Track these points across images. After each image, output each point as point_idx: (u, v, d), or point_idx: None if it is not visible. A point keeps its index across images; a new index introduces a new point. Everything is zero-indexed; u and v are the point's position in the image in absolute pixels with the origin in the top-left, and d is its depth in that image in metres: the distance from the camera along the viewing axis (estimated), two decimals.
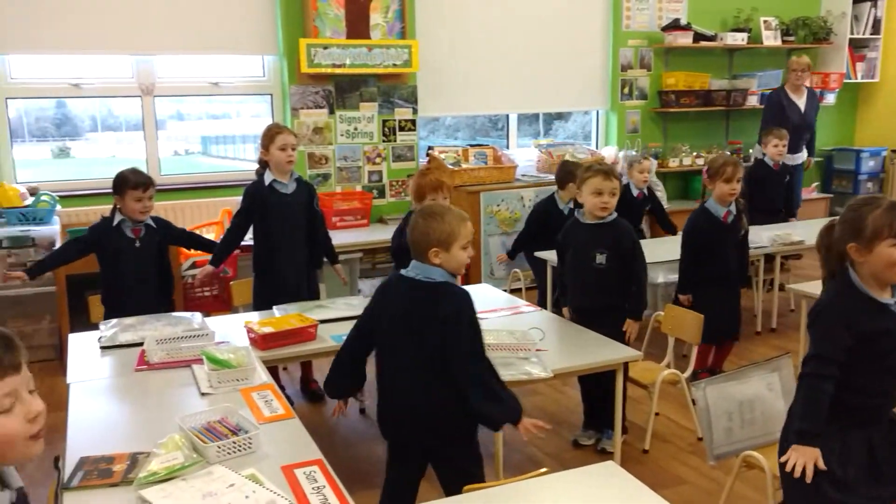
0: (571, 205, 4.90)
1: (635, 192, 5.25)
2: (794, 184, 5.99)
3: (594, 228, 3.38)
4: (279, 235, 3.85)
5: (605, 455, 3.40)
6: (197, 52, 5.51)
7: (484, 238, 5.90)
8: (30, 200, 4.85)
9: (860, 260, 2.08)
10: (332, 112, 5.82)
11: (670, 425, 3.76)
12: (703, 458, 3.19)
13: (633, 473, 1.99)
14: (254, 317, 3.40)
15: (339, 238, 5.25)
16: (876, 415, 2.17)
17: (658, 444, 3.56)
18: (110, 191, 5.22)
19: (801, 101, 6.23)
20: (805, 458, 2.07)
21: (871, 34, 7.57)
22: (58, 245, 4.52)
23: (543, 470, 2.05)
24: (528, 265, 5.01)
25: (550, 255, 4.52)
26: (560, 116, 7.45)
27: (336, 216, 5.64)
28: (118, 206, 3.55)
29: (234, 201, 5.53)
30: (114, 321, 3.17)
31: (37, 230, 4.63)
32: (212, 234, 5.34)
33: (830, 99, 7.58)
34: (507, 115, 6.89)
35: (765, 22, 7.14)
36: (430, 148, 6.18)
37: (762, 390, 2.64)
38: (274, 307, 3.46)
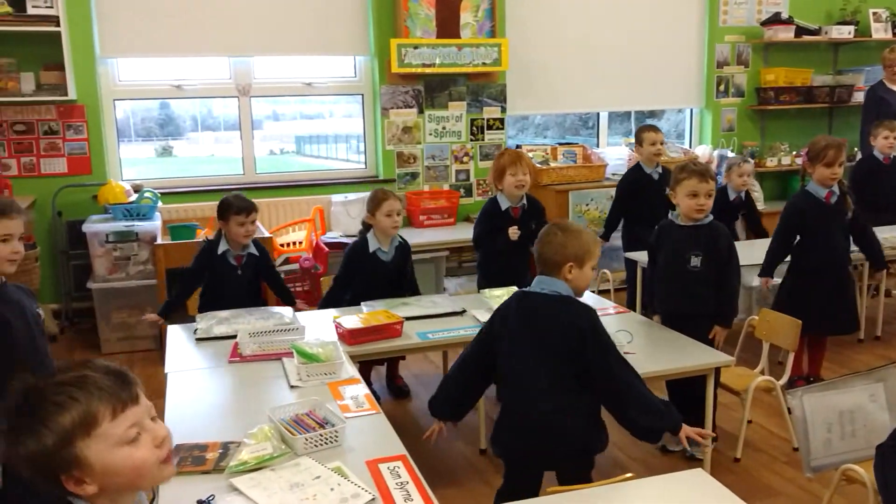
0: (660, 169, 4.81)
1: (731, 196, 5.06)
2: None
3: (689, 230, 3.29)
4: (367, 293, 3.76)
5: (693, 462, 3.30)
6: (292, 54, 5.65)
7: None
8: (134, 197, 5.08)
9: None
10: (421, 111, 5.87)
11: (763, 434, 3.62)
12: (798, 469, 3.05)
13: (724, 482, 1.92)
14: (342, 311, 3.46)
15: (425, 237, 5.32)
16: None
17: (750, 452, 3.43)
18: (208, 188, 5.51)
19: None
20: None
21: None
22: (159, 241, 4.72)
23: (629, 475, 2.01)
24: (623, 250, 4.88)
25: (641, 256, 4.43)
26: (652, 114, 7.28)
27: (423, 215, 5.69)
28: (223, 231, 3.65)
29: (326, 199, 5.67)
30: (209, 314, 3.28)
31: (140, 225, 4.85)
32: (303, 232, 5.47)
33: None
34: (598, 114, 6.78)
35: (874, 14, 6.79)
36: (517, 146, 6.15)
37: (864, 401, 2.50)
38: (362, 303, 3.51)
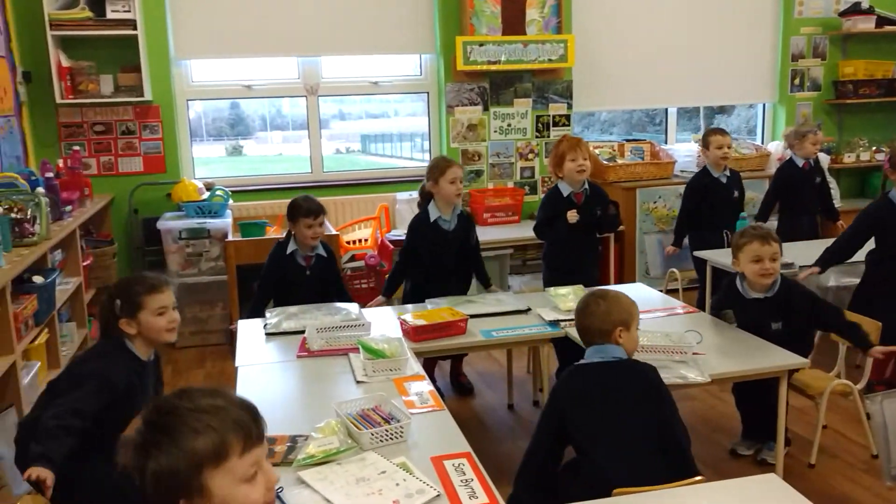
0: (728, 172, 4.70)
1: (800, 163, 4.91)
2: None
3: (761, 304, 3.13)
4: (435, 266, 3.84)
5: (765, 467, 3.21)
6: (359, 53, 5.71)
7: (639, 236, 5.74)
8: (206, 195, 5.21)
9: None
10: (486, 109, 5.86)
11: (840, 440, 3.50)
12: (877, 477, 2.95)
13: (797, 489, 1.86)
14: (407, 309, 3.48)
15: (489, 234, 5.30)
16: None
17: (825, 459, 3.32)
18: (277, 187, 5.62)
19: None
20: None
21: None
22: (230, 237, 4.84)
23: (699, 477, 1.97)
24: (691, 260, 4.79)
25: (711, 255, 4.33)
26: (722, 110, 7.12)
27: (487, 212, 5.68)
28: (292, 232, 3.71)
29: (391, 198, 5.72)
30: (278, 310, 3.34)
31: (211, 223, 4.98)
32: (369, 230, 5.53)
33: None
34: (666, 110, 6.65)
35: None
36: None
37: None
38: (426, 301, 3.52)
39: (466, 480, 1.89)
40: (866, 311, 3.45)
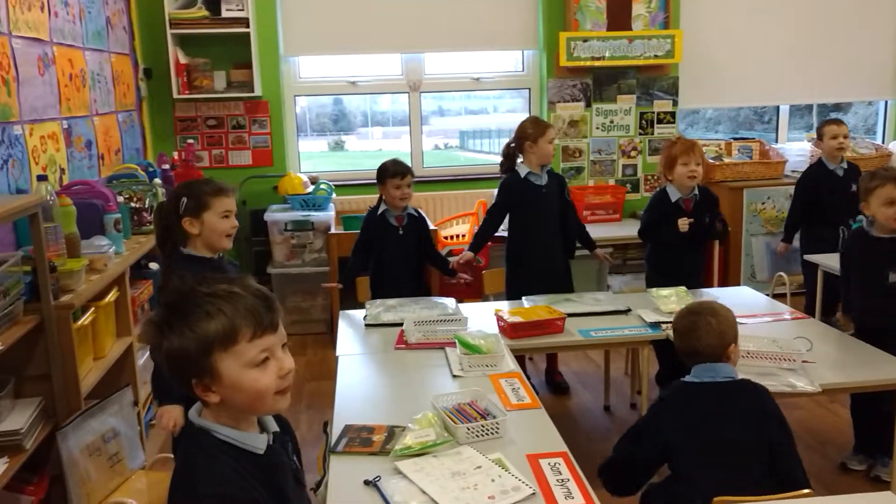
0: (845, 164, 4.49)
1: None
2: None
3: (887, 244, 3.00)
4: (534, 226, 3.91)
5: (879, 484, 3.04)
6: (462, 49, 5.74)
7: (746, 238, 5.54)
8: (310, 188, 5.36)
9: None
10: (588, 105, 5.78)
11: None
12: None
13: None
14: (504, 306, 3.48)
15: (589, 232, 5.22)
16: None
17: None
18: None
19: None
20: None
21: None
22: (332, 230, 4.96)
23: (807, 490, 1.88)
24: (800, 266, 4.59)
25: (822, 259, 4.13)
26: (838, 107, 6.77)
27: (587, 210, 5.60)
28: (382, 196, 3.79)
29: (489, 193, 5.71)
30: (378, 302, 3.40)
31: (315, 215, 5.11)
32: (466, 226, 5.55)
33: None
34: (777, 107, 6.38)
35: None
36: None
37: None
38: (523, 298, 3.51)
39: (562, 480, 1.87)
40: None
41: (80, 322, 2.66)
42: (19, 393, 2.46)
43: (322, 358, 4.69)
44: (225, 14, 5.10)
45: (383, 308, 3.31)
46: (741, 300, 3.47)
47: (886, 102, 6.35)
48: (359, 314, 3.36)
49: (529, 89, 5.90)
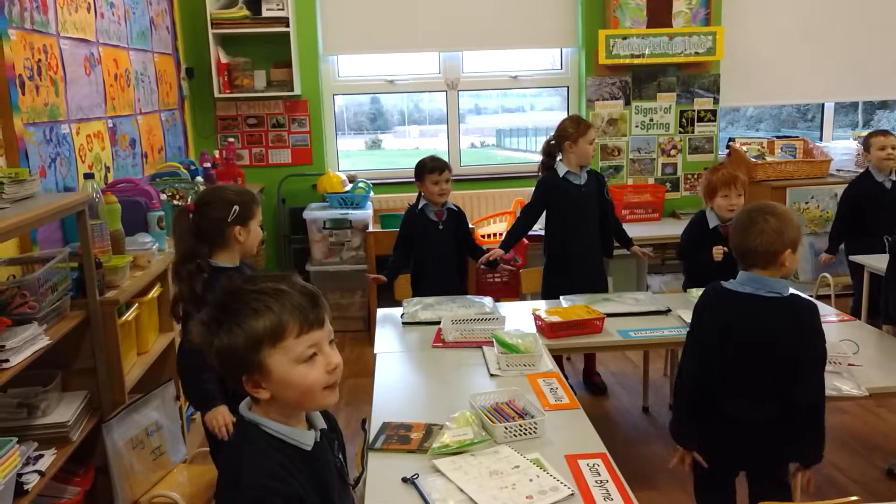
0: (893, 177, 4.38)
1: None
2: None
3: None
4: (572, 226, 3.89)
5: None
6: (500, 47, 5.72)
7: None
8: (349, 187, 5.39)
9: None
10: (627, 103, 5.72)
11: None
12: None
13: None
14: (541, 305, 3.46)
15: (627, 231, 5.16)
16: None
17: None
18: (414, 180, 5.71)
19: None
20: None
21: None
22: (370, 228, 4.98)
23: (854, 498, 1.84)
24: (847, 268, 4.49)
25: (868, 260, 4.04)
26: (884, 105, 6.62)
27: (626, 209, 5.55)
28: (420, 192, 3.81)
29: (526, 192, 5.68)
30: (415, 300, 3.41)
31: (354, 214, 5.14)
32: (503, 224, 5.53)
33: None
34: (822, 105, 6.26)
35: None
36: (730, 139, 5.82)
37: None
38: (561, 297, 3.49)
39: (601, 481, 1.86)
40: None
41: (124, 317, 2.71)
42: (66, 386, 2.52)
43: (360, 355, 4.71)
44: (265, 14, 5.16)
45: (421, 306, 3.32)
46: None
47: None
48: (396, 312, 3.37)
49: (568, 87, 5.86)
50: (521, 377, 2.56)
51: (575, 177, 3.89)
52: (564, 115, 5.86)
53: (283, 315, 1.30)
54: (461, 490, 1.82)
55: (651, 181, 5.84)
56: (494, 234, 5.50)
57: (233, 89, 5.30)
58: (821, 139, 6.23)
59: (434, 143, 6.13)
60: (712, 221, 3.71)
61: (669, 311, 3.28)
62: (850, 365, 2.61)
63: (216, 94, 5.23)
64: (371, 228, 5.01)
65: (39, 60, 3.01)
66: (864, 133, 6.09)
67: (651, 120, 5.76)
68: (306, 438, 1.39)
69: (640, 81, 5.70)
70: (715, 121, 5.82)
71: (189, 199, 3.81)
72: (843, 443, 3.38)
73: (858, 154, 5.83)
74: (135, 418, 2.60)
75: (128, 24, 4.12)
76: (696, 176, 5.83)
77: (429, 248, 3.76)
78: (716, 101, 5.79)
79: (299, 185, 5.58)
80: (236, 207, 2.40)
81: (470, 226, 4.03)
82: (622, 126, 5.75)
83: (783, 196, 5.39)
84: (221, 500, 1.36)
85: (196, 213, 2.40)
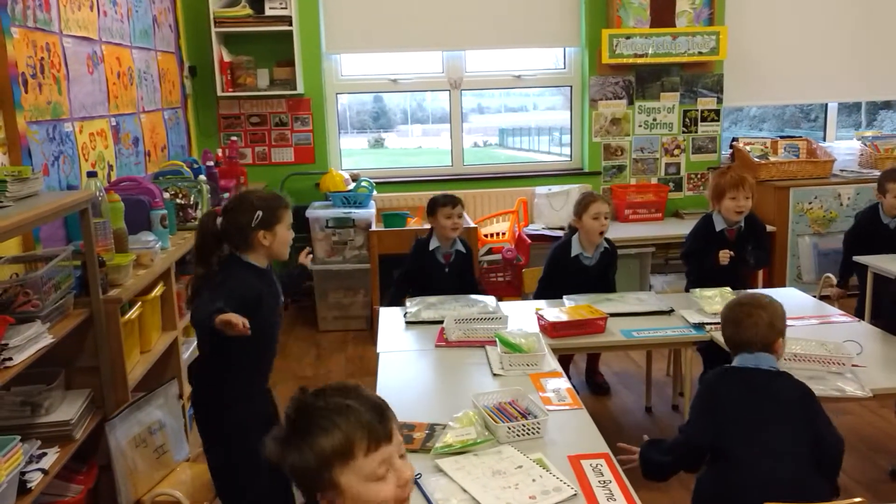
0: None
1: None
2: None
3: None
4: (569, 291, 3.67)
5: None
6: (504, 46, 5.72)
7: (792, 238, 5.43)
8: (352, 186, 5.39)
9: None
10: (630, 102, 5.72)
11: None
12: None
13: None
14: (544, 304, 3.46)
15: (630, 231, 5.19)
16: None
17: None
18: (419, 179, 5.73)
19: None
20: None
21: None
22: (373, 227, 4.97)
23: (859, 500, 1.84)
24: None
25: (872, 261, 4.03)
26: (888, 105, 6.61)
27: (629, 209, 5.55)
28: (433, 227, 3.80)
29: (529, 191, 5.70)
30: (418, 299, 3.41)
31: (356, 213, 5.14)
32: (506, 224, 5.53)
33: None
34: (826, 105, 6.25)
35: None
36: (733, 139, 5.81)
37: None
38: (564, 297, 3.48)
39: (604, 482, 1.86)
40: None
41: (127, 316, 2.71)
42: (69, 384, 2.52)
43: (362, 354, 4.72)
44: (268, 12, 5.16)
45: (424, 305, 3.32)
46: (788, 302, 3.34)
47: None
48: (399, 311, 3.37)
49: (571, 87, 5.86)
50: (523, 377, 2.56)
51: (587, 258, 3.78)
52: (567, 115, 5.91)
53: (351, 433, 1.29)
54: (464, 490, 1.82)
55: (654, 181, 5.83)
56: (497, 234, 5.50)
57: (236, 88, 5.30)
58: (824, 139, 6.22)
59: (437, 142, 6.13)
60: (719, 225, 3.70)
61: (672, 311, 3.28)
62: (853, 366, 2.61)
63: (219, 93, 5.23)
64: (374, 227, 5.00)
65: (42, 58, 3.01)
66: (868, 133, 6.10)
67: (654, 119, 5.76)
68: None
69: (643, 81, 5.69)
70: (718, 120, 5.81)
71: (192, 198, 3.82)
72: (846, 444, 3.37)
73: (861, 155, 5.82)
74: (138, 417, 2.60)
75: (130, 22, 4.12)
76: (699, 176, 5.83)
77: (434, 285, 3.68)
78: (719, 101, 5.78)
79: (302, 183, 5.57)
80: (259, 212, 2.43)
81: (476, 264, 3.98)
82: (625, 126, 5.75)
83: (787, 196, 5.38)
84: None
85: (223, 216, 2.45)
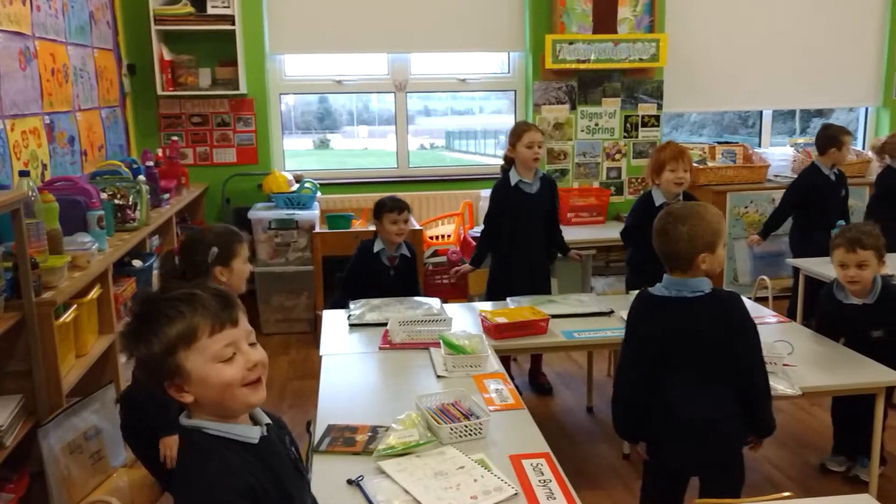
0: (836, 170, 4.65)
1: None
2: None
3: (861, 309, 3.04)
4: (520, 233, 3.90)
5: (857, 485, 3.08)
6: (448, 50, 5.75)
7: (729, 241, 5.58)
8: (295, 187, 5.34)
9: None
10: (573, 108, 5.80)
11: None
12: None
13: None
14: (488, 306, 3.49)
15: (573, 234, 5.23)
16: None
17: None
18: (364, 181, 5.71)
19: None
20: None
21: None
22: (317, 229, 4.94)
23: (787, 494, 1.90)
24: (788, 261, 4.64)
25: (805, 263, 4.17)
26: (820, 113, 6.84)
27: (571, 212, 5.63)
28: (378, 231, 3.79)
29: (475, 194, 5.73)
30: (362, 301, 3.39)
31: (300, 214, 5.09)
32: (451, 226, 5.56)
33: None
34: (760, 112, 6.44)
35: None
36: None
37: None
38: (508, 298, 3.52)
39: (545, 481, 1.88)
40: None
41: (61, 319, 2.64)
42: (0, 389, 2.44)
43: (305, 357, 4.68)
44: (210, 11, 5.08)
45: (367, 308, 3.31)
46: None
47: (867, 109, 6.43)
48: (343, 314, 3.35)
49: (515, 91, 5.92)
50: (467, 378, 2.58)
51: (527, 185, 3.90)
52: (512, 119, 5.96)
53: (194, 317, 1.32)
54: (406, 491, 1.82)
55: (596, 185, 5.93)
56: (442, 236, 5.52)
57: (176, 87, 5.20)
58: (759, 145, 6.41)
59: (383, 144, 6.12)
60: (658, 200, 3.77)
61: (612, 312, 3.33)
62: (784, 365, 2.69)
63: (159, 92, 5.12)
64: (318, 229, 4.97)
65: None
66: (801, 140, 6.30)
67: (596, 124, 5.85)
68: (251, 433, 1.39)
69: (585, 86, 5.78)
70: (658, 126, 5.94)
71: (130, 199, 3.74)
72: (777, 441, 3.48)
73: (794, 161, 6.01)
74: (73, 422, 2.53)
75: (66, 17, 4.02)
76: (640, 180, 5.94)
77: (378, 290, 3.66)
78: (659, 107, 5.90)
79: (245, 184, 5.50)
80: (215, 249, 2.44)
81: (420, 268, 4.01)
82: (568, 130, 5.83)
83: (724, 200, 5.53)
84: None
85: (179, 255, 2.46)
